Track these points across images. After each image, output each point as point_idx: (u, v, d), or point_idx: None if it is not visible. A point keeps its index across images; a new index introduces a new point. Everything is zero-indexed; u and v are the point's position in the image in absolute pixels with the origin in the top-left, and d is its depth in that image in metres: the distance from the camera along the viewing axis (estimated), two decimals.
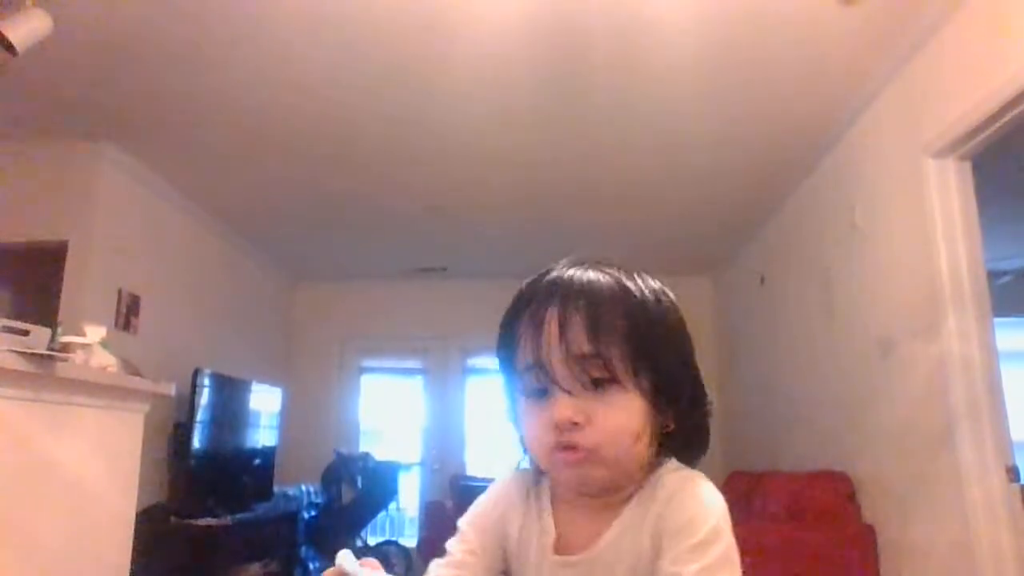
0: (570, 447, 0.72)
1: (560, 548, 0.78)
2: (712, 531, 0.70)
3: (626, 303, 0.76)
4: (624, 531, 0.75)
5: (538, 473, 0.83)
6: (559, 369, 0.73)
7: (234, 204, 4.86)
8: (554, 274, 0.80)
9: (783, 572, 3.14)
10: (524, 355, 0.76)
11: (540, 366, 0.74)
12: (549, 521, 0.80)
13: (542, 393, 0.75)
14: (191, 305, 4.84)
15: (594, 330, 0.73)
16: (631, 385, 0.73)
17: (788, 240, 4.63)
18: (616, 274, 0.79)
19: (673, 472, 0.76)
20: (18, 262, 4.07)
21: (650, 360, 0.74)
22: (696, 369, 0.81)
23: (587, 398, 0.73)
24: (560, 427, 0.72)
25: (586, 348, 0.73)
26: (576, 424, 0.72)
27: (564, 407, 0.72)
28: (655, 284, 0.81)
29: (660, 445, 0.77)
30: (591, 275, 0.78)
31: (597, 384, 0.73)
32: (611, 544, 0.75)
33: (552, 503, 0.81)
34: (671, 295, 0.82)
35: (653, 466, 0.77)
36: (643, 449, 0.75)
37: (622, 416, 0.73)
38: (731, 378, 5.97)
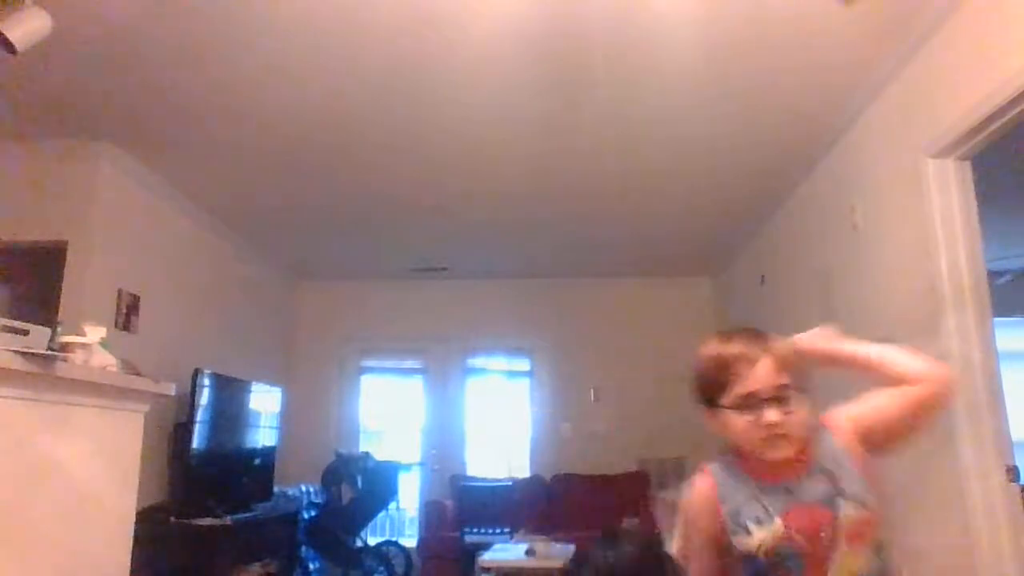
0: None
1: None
2: None
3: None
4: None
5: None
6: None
7: (234, 204, 4.86)
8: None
9: None
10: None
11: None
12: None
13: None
14: (191, 305, 4.84)
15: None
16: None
17: (788, 240, 4.63)
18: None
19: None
20: (18, 262, 4.07)
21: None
22: None
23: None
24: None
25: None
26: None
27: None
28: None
29: None
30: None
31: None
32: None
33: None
34: None
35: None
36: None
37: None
38: None
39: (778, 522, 1.20)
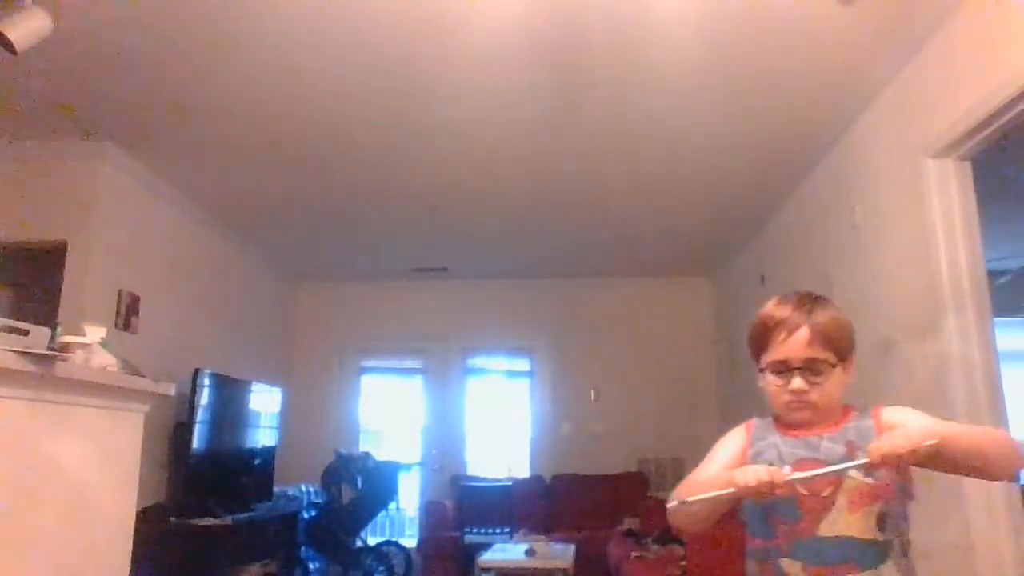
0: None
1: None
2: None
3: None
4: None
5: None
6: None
7: (234, 204, 4.86)
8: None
9: None
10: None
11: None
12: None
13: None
14: (191, 305, 4.84)
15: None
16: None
17: (788, 240, 4.63)
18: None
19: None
20: (18, 262, 4.07)
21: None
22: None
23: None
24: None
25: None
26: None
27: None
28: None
29: None
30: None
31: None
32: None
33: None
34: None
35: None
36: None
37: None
38: (731, 378, 5.97)
39: (787, 469, 1.23)
